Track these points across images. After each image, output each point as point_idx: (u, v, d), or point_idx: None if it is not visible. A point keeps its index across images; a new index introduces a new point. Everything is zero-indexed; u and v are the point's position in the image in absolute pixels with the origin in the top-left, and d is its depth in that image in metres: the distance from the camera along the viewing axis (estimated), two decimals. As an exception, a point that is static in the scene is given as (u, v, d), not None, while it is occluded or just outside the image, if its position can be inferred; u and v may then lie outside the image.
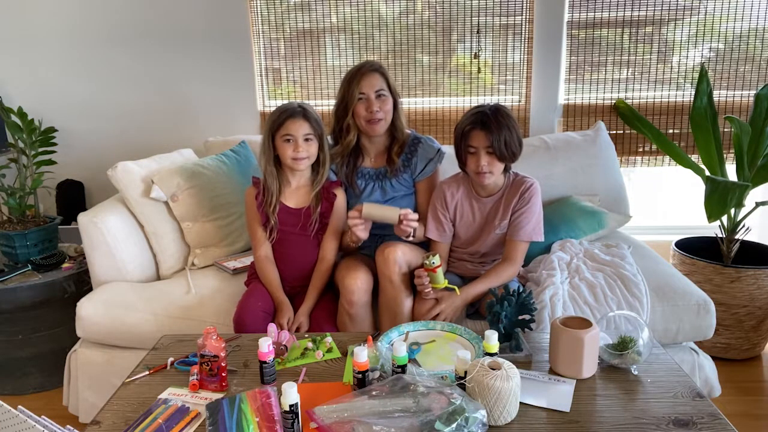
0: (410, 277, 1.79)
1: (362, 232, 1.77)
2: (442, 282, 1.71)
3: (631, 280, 1.87)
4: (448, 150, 2.10)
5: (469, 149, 1.75)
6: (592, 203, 2.34)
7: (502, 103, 1.81)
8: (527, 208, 1.81)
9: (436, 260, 1.67)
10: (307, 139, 1.82)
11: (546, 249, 2.13)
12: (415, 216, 1.74)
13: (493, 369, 1.20)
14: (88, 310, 1.91)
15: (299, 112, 1.82)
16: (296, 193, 1.92)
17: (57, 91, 2.77)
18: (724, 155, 2.49)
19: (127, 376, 1.41)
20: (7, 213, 2.43)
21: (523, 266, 1.98)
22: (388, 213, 1.74)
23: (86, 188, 2.86)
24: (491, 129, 1.70)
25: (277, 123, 1.82)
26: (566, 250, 2.07)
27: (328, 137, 2.00)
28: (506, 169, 1.84)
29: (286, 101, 2.03)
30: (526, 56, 2.73)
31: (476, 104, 1.81)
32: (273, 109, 2.00)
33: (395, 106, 1.92)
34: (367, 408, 1.14)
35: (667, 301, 1.85)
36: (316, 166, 1.90)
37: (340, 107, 1.92)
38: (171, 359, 1.47)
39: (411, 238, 1.79)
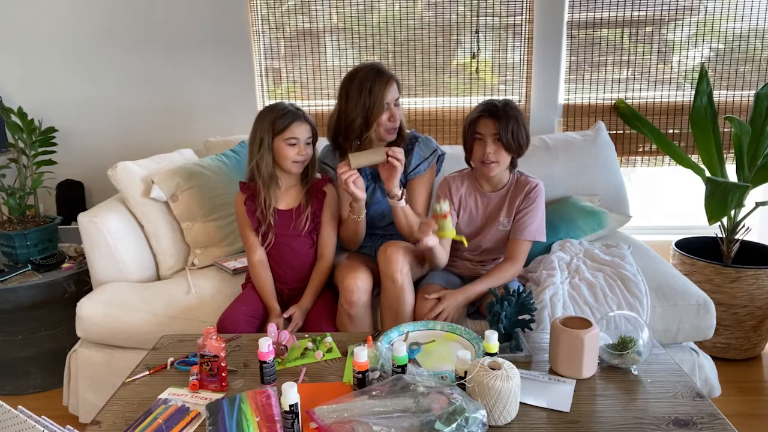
0: (412, 277, 1.79)
1: (358, 190, 1.73)
2: (451, 230, 1.61)
3: (631, 280, 1.87)
4: (449, 150, 2.10)
5: (477, 136, 1.77)
6: (592, 203, 2.34)
7: (511, 98, 1.83)
8: (532, 208, 1.82)
9: (446, 206, 1.59)
10: (308, 143, 1.84)
11: (546, 249, 2.13)
12: (401, 150, 1.71)
13: (493, 369, 1.20)
14: (88, 310, 1.91)
15: (300, 115, 1.82)
16: (285, 195, 1.91)
17: (57, 91, 2.77)
18: (724, 155, 2.49)
19: (127, 376, 1.41)
20: (7, 213, 2.44)
21: (523, 266, 1.99)
22: (376, 156, 1.71)
23: (86, 188, 2.86)
24: (500, 117, 1.72)
25: (281, 126, 1.80)
26: (566, 250, 2.07)
27: (329, 143, 1.99)
28: (512, 165, 1.85)
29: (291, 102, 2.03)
30: (526, 56, 2.73)
31: (481, 101, 1.83)
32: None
33: None
34: (367, 408, 1.14)
35: (667, 301, 1.85)
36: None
37: (358, 118, 1.81)
38: (171, 359, 1.47)
39: (402, 202, 1.76)
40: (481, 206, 1.88)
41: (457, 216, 1.90)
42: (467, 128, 1.80)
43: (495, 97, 1.84)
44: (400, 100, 1.90)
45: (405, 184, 1.96)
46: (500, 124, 1.72)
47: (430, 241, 1.64)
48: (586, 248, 2.11)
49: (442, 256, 1.80)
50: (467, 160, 1.89)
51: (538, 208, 1.83)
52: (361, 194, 1.76)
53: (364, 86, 1.79)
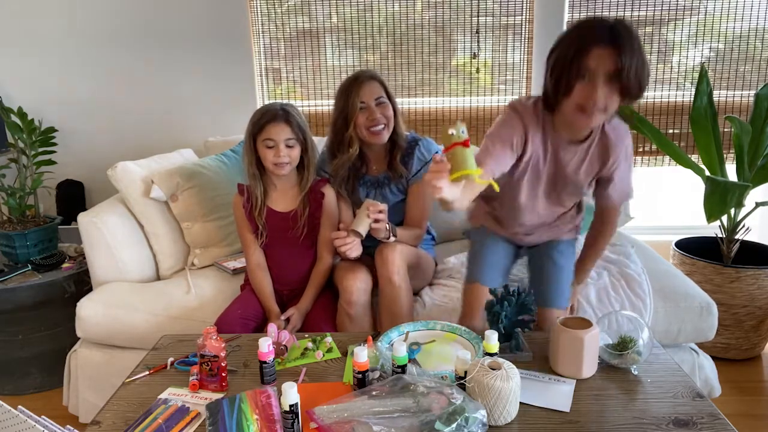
0: (409, 277, 1.78)
1: (355, 251, 1.71)
2: (473, 167, 1.08)
3: (635, 280, 1.86)
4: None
5: (583, 73, 1.27)
6: (592, 203, 2.34)
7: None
8: (625, 161, 1.47)
9: (465, 130, 1.10)
10: (288, 145, 1.76)
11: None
12: (380, 206, 1.68)
13: (493, 369, 1.20)
14: (88, 310, 1.91)
15: (281, 115, 1.75)
16: (283, 197, 1.89)
17: (57, 91, 2.77)
18: (724, 155, 2.48)
19: (127, 376, 1.41)
20: (7, 213, 2.44)
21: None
22: (366, 221, 1.67)
23: (86, 188, 2.86)
24: (623, 48, 1.22)
25: (257, 126, 1.76)
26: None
27: (324, 147, 1.97)
28: None
29: (286, 102, 2.01)
30: (526, 56, 2.74)
31: (585, 19, 1.33)
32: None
33: (394, 111, 1.88)
34: (367, 408, 1.14)
35: (668, 303, 1.85)
36: (301, 169, 1.86)
37: (338, 120, 1.86)
38: (171, 359, 1.47)
39: (391, 239, 1.75)
40: (550, 160, 1.40)
41: (516, 166, 1.38)
42: (571, 61, 1.28)
43: (602, 15, 1.41)
44: (399, 101, 1.89)
45: (406, 189, 1.95)
46: (624, 58, 1.22)
47: (446, 191, 1.09)
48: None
49: (462, 201, 1.28)
50: (546, 97, 1.38)
51: (630, 159, 1.47)
52: (358, 253, 1.74)
53: (342, 90, 1.85)
